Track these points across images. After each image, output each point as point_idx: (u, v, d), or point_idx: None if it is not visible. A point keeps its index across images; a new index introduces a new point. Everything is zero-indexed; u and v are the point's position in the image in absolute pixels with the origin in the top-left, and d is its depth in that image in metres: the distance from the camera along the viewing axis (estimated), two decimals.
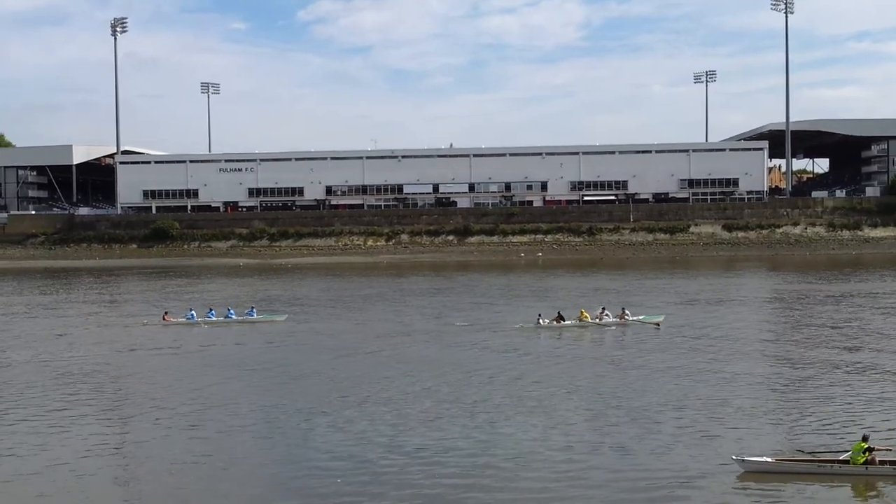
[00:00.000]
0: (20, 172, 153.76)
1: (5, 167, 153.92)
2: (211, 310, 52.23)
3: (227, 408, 28.20)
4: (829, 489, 19.97)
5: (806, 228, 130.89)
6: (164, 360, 38.46)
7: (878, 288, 65.83)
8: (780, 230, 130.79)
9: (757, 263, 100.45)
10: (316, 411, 27.37)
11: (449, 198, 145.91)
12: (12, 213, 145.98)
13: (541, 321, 45.69)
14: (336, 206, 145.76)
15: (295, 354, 39.03)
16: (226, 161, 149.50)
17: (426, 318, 51.07)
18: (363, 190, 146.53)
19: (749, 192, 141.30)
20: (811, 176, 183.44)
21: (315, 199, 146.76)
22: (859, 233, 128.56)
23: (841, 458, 20.75)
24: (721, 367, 33.61)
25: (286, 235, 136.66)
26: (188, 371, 35.24)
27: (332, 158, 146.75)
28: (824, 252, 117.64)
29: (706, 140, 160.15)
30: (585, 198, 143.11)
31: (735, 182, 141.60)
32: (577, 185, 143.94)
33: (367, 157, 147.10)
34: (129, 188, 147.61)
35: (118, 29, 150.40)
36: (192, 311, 51.67)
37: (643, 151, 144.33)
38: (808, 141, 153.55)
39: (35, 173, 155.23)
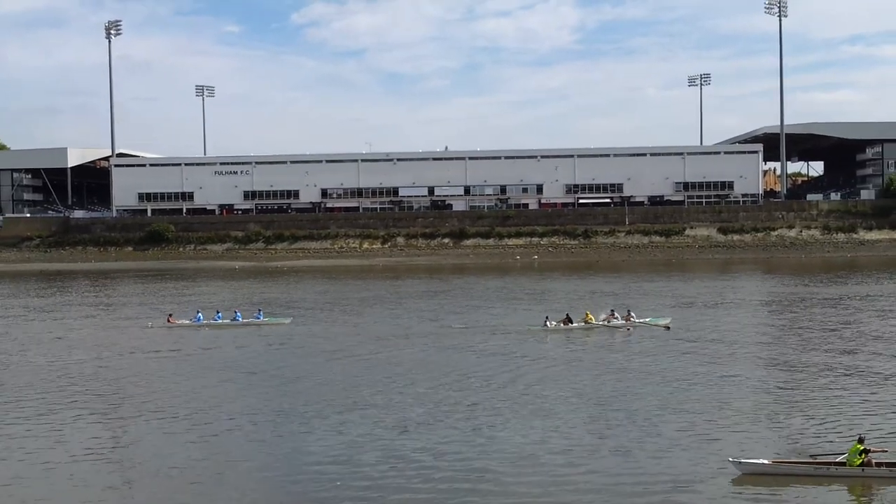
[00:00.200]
0: (15, 175, 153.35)
1: (0, 170, 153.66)
2: (218, 312, 52.35)
3: (228, 411, 28.24)
4: (826, 491, 20.09)
5: (801, 231, 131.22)
6: (169, 362, 38.45)
7: (874, 291, 66.01)
8: (776, 233, 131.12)
9: (752, 266, 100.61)
10: (317, 414, 27.42)
11: (444, 200, 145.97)
12: (7, 215, 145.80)
13: (548, 323, 45.72)
14: (331, 209, 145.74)
15: (300, 357, 39.10)
16: (221, 164, 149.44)
17: (425, 321, 51.05)
18: (358, 193, 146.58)
19: (744, 195, 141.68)
20: (806, 179, 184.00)
21: (310, 202, 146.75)
22: (854, 235, 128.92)
23: (837, 460, 20.87)
24: (718, 370, 33.72)
25: (282, 238, 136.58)
26: (191, 374, 35.26)
27: (328, 161, 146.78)
28: (819, 255, 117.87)
29: (701, 143, 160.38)
30: (581, 200, 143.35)
31: (730, 185, 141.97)
32: (573, 188, 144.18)
33: (363, 160, 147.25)
34: (125, 191, 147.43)
35: (112, 32, 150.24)
36: (200, 314, 51.73)
37: (638, 154, 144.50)
38: (803, 144, 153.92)
39: (30, 176, 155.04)
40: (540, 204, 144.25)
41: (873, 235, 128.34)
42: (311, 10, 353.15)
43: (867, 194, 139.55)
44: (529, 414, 27.01)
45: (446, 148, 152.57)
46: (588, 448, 23.26)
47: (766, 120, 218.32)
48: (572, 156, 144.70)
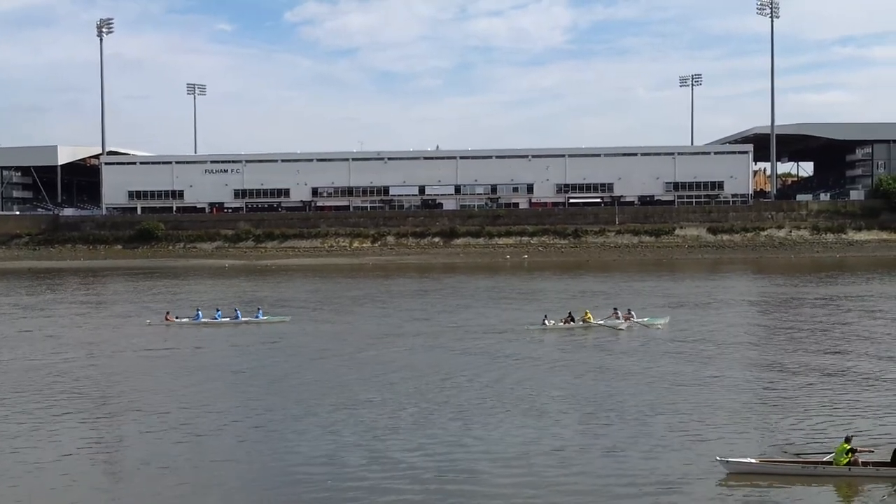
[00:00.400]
0: (4, 173, 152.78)
1: None
2: (218, 310, 52.35)
3: (219, 409, 28.23)
4: (813, 490, 20.22)
5: (790, 231, 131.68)
6: (163, 361, 38.46)
7: (863, 291, 66.35)
8: (765, 233, 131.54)
9: (742, 266, 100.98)
10: (308, 413, 27.45)
11: (435, 199, 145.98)
12: None
13: (547, 322, 45.78)
14: (322, 208, 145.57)
15: (296, 356, 39.12)
16: (211, 162, 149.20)
17: (419, 320, 51.12)
18: (349, 191, 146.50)
19: (734, 196, 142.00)
20: (796, 179, 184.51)
21: (301, 201, 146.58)
22: (843, 236, 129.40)
23: (824, 460, 21.02)
24: (707, 370, 33.88)
25: (272, 237, 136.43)
26: (184, 372, 35.27)
27: (318, 160, 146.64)
28: (808, 255, 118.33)
29: (692, 143, 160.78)
30: (571, 200, 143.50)
31: (720, 185, 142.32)
32: (563, 188, 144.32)
33: (354, 159, 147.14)
34: (115, 189, 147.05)
35: (104, 30, 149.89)
36: (199, 312, 51.74)
37: (629, 154, 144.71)
38: (793, 144, 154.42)
39: (20, 174, 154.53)
40: (530, 203, 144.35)
41: (862, 236, 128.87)
42: (304, 8, 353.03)
43: (856, 195, 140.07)
44: (520, 414, 27.06)
45: (437, 147, 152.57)
46: (577, 448, 23.33)
47: (757, 120, 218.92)
48: (563, 155, 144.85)
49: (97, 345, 43.31)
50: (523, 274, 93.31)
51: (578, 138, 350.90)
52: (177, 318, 51.45)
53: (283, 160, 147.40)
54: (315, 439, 24.54)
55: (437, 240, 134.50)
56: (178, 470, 22.17)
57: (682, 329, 45.46)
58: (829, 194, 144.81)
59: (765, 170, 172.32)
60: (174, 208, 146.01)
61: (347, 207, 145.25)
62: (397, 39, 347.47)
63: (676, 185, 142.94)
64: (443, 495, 19.93)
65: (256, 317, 51.37)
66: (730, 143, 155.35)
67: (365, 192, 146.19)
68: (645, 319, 47.38)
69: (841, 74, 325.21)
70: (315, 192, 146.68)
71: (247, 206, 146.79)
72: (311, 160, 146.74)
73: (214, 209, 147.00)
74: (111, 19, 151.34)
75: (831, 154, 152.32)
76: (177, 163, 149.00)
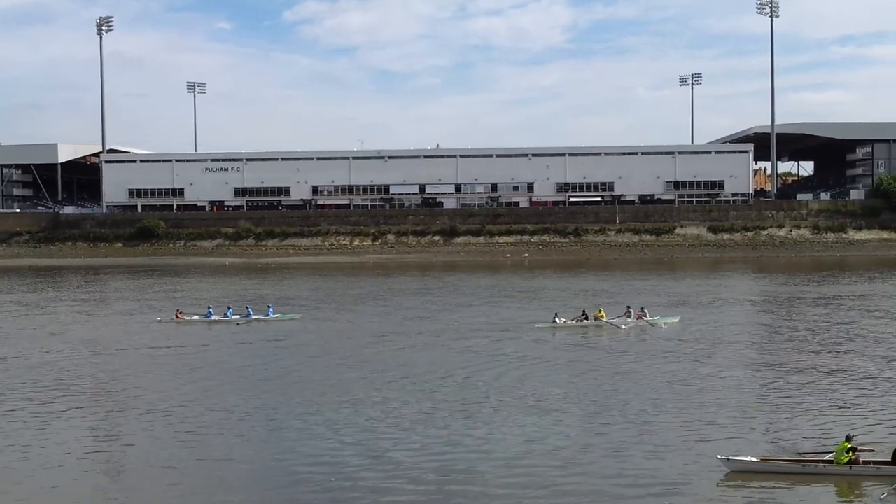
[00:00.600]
0: (5, 171, 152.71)
1: None
2: (229, 308, 52.50)
3: (222, 407, 28.31)
4: (814, 489, 20.27)
5: (791, 231, 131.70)
6: (176, 358, 38.54)
7: (864, 290, 66.41)
8: (765, 232, 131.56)
9: (742, 265, 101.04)
10: (311, 412, 27.50)
11: (435, 198, 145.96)
12: None
13: (557, 320, 45.81)
14: (322, 206, 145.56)
15: (301, 354, 39.22)
16: (212, 160, 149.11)
17: (422, 319, 51.19)
18: (349, 190, 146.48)
19: (734, 195, 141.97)
20: (796, 178, 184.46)
21: (301, 199, 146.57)
22: (844, 235, 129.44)
23: (825, 458, 21.08)
24: (708, 368, 33.96)
25: (272, 235, 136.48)
26: (189, 370, 35.30)
27: (319, 158, 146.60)
28: (809, 254, 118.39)
29: (692, 142, 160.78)
30: (571, 199, 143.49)
31: (720, 184, 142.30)
32: (564, 187, 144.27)
33: (354, 158, 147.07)
34: (115, 187, 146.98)
35: (104, 28, 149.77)
36: (211, 309, 51.90)
37: (629, 153, 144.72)
38: (794, 144, 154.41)
39: (20, 172, 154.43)
40: (531, 202, 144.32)
41: (863, 235, 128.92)
42: (304, 7, 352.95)
43: (857, 194, 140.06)
44: (522, 413, 27.10)
45: (437, 146, 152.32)
46: (579, 447, 23.37)
47: (757, 120, 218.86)
48: (563, 154, 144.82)
49: (100, 342, 43.38)
50: (524, 272, 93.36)
51: (578, 138, 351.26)
52: (188, 315, 51.58)
53: (283, 158, 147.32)
54: (317, 438, 24.58)
55: (437, 238, 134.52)
56: (179, 469, 22.21)
57: (686, 328, 45.53)
58: (829, 193, 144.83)
59: (765, 169, 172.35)
60: (174, 206, 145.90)
61: (348, 206, 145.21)
62: (396, 38, 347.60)
63: (677, 184, 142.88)
64: (444, 495, 19.95)
65: (268, 314, 51.51)
66: (730, 142, 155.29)
67: (365, 190, 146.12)
68: (656, 318, 47.44)
69: (841, 74, 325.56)
70: (315, 190, 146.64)
71: (247, 204, 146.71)
72: (311, 158, 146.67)
73: (215, 207, 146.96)
74: (111, 17, 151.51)
75: (831, 153, 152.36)
76: (177, 161, 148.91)
